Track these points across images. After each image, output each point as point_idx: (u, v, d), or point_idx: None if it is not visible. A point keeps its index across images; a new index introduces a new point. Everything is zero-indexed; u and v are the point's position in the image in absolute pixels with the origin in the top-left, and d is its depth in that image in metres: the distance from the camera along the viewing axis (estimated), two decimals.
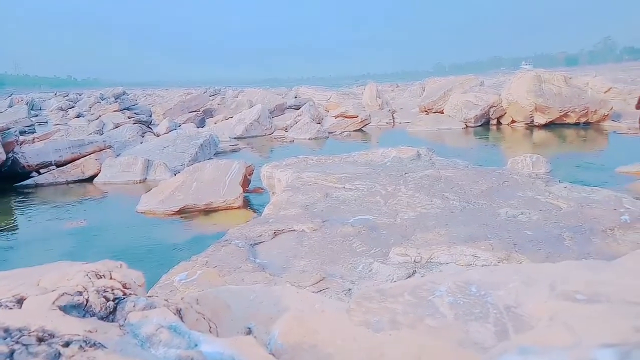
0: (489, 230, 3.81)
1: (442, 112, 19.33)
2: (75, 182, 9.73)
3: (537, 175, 5.70)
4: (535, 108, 16.76)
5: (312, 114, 20.07)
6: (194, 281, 3.36)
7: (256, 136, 17.35)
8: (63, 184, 9.65)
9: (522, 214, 4.19)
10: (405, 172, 5.66)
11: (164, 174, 9.60)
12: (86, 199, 8.61)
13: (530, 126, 17.20)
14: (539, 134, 15.89)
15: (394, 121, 21.20)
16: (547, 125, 16.87)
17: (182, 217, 7.07)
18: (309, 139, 16.50)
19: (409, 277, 3.21)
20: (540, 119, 16.92)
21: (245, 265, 3.50)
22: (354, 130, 18.22)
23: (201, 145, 11.46)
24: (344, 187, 5.26)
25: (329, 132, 17.54)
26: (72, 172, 9.83)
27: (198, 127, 18.15)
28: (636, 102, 8.87)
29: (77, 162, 10.05)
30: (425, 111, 20.45)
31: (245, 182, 8.06)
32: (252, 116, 17.94)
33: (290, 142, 16.29)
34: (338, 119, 19.42)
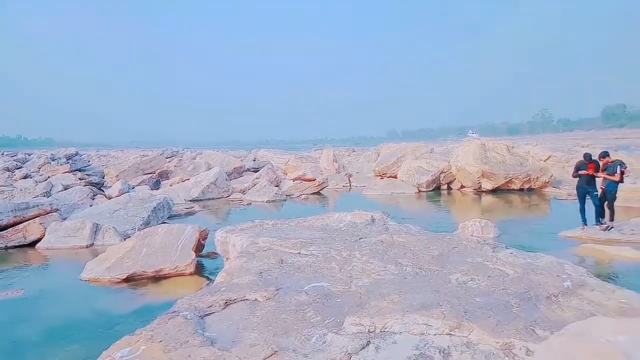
0: (441, 297, 3.87)
1: (396, 177, 19.99)
2: (15, 247, 9.12)
3: (485, 240, 5.92)
4: (482, 174, 17.68)
5: (270, 176, 20.21)
6: (136, 357, 3.15)
7: (213, 199, 17.14)
8: (2, 249, 9.02)
9: (471, 280, 4.30)
10: (360, 237, 5.73)
11: (113, 238, 9.20)
12: (26, 266, 8.04)
13: (479, 191, 18.03)
14: (487, 199, 16.64)
15: (350, 185, 21.64)
16: (494, 191, 17.74)
17: (129, 285, 6.71)
18: (266, 201, 16.48)
19: (363, 348, 3.16)
20: (487, 185, 17.80)
21: (193, 339, 3.33)
22: (311, 193, 18.40)
23: (154, 208, 11.17)
24: (299, 253, 5.24)
25: (286, 195, 17.62)
26: (13, 236, 9.24)
27: (152, 190, 17.76)
28: (573, 171, 9.55)
29: (19, 226, 9.49)
30: (380, 176, 21.09)
31: (199, 247, 7.86)
32: (210, 178, 17.82)
33: (247, 204, 16.19)
34: (296, 182, 19.62)
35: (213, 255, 7.98)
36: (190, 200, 16.22)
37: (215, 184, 17.65)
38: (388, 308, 3.69)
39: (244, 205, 16.15)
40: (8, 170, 30.58)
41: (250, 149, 42.96)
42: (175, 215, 12.83)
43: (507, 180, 17.58)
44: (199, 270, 7.41)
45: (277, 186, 18.85)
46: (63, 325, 5.33)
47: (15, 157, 40.34)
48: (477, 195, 17.53)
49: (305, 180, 19.42)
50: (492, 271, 4.57)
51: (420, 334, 3.30)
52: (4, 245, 9.15)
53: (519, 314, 3.56)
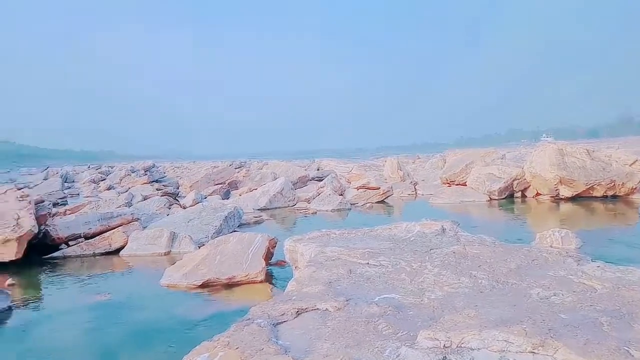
0: (521, 312, 3.66)
1: (465, 185, 19.30)
2: (102, 254, 9.89)
3: (567, 252, 5.53)
4: (560, 181, 16.59)
5: (334, 185, 20.32)
6: None
7: (279, 207, 17.54)
8: (90, 256, 9.82)
9: (554, 295, 4.03)
10: (430, 247, 5.59)
11: (188, 246, 9.69)
12: (111, 272, 8.69)
13: (556, 199, 16.93)
14: (566, 207, 15.58)
15: (416, 193, 21.21)
16: (574, 198, 16.57)
17: (205, 291, 7.03)
18: (331, 210, 16.57)
19: None
20: (566, 192, 16.67)
21: (268, 347, 3.41)
22: (376, 202, 18.25)
23: (225, 217, 11.63)
24: (368, 263, 5.20)
25: (351, 204, 17.61)
26: (100, 244, 10.03)
27: (223, 199, 18.53)
28: None
29: (105, 234, 10.27)
30: (448, 183, 20.46)
31: (268, 255, 8.05)
32: (276, 188, 18.27)
33: (312, 213, 16.38)
34: (360, 190, 19.57)
35: (282, 263, 8.14)
36: (258, 209, 16.71)
37: (281, 194, 18.06)
38: (464, 323, 3.55)
39: (309, 214, 16.36)
40: (94, 182, 33.34)
41: (313, 159, 43.50)
42: (244, 224, 13.27)
43: (588, 187, 16.36)
44: (269, 278, 7.60)
45: (341, 195, 18.91)
46: (146, 328, 5.68)
47: (99, 170, 43.91)
48: (554, 203, 16.48)
49: (370, 189, 19.31)
50: (577, 286, 4.25)
51: (500, 350, 3.14)
52: (92, 252, 9.95)
53: (610, 332, 3.28)
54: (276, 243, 8.28)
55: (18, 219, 9.38)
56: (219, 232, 10.85)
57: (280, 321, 3.99)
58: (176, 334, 5.38)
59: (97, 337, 5.50)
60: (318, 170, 28.13)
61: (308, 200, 18.48)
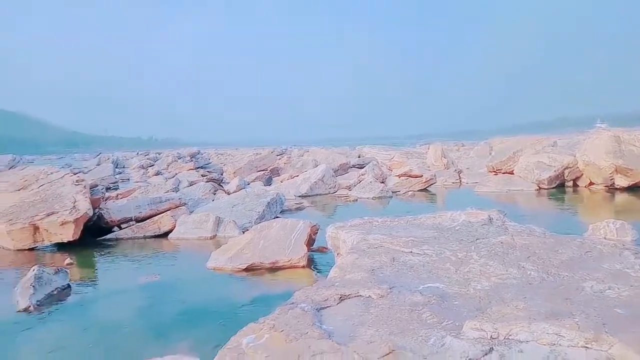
0: (573, 306, 3.52)
1: (512, 173, 18.65)
2: (151, 237, 10.33)
3: (623, 245, 5.25)
4: (616, 170, 15.70)
5: (375, 173, 20.18)
6: (261, 345, 3.36)
7: (320, 194, 17.63)
8: (140, 238, 10.28)
9: (609, 289, 3.85)
10: (476, 237, 5.46)
11: (233, 231, 9.95)
12: (161, 254, 9.07)
13: (611, 189, 16.06)
14: (621, 198, 14.75)
15: (460, 181, 20.72)
16: (630, 188, 15.66)
17: (249, 274, 7.21)
18: (372, 198, 16.49)
19: (485, 354, 3.01)
20: (621, 182, 15.78)
21: (312, 331, 3.46)
22: (418, 190, 17.99)
23: (268, 203, 11.82)
24: (412, 252, 5.15)
25: (392, 192, 17.45)
26: (149, 227, 10.47)
27: (265, 186, 18.84)
28: None
29: (155, 218, 10.71)
30: (494, 171, 19.84)
31: (310, 241, 8.13)
32: (317, 175, 18.36)
33: (353, 201, 16.36)
34: (402, 178, 19.34)
35: (323, 249, 8.21)
36: (300, 196, 16.87)
37: (322, 181, 18.13)
38: (512, 314, 3.46)
39: (350, 201, 16.35)
40: (143, 168, 34.71)
41: (354, 146, 43.27)
42: (286, 210, 13.44)
43: None
44: (311, 263, 7.69)
45: (382, 182, 18.76)
46: (194, 309, 5.91)
47: (148, 156, 45.60)
48: (608, 193, 15.64)
49: (412, 177, 19.04)
50: (635, 280, 4.04)
51: (551, 344, 3.04)
52: (142, 235, 10.41)
53: None
54: (318, 229, 8.34)
55: (75, 202, 9.92)
56: (261, 218, 11.05)
57: (323, 306, 4.03)
58: (223, 315, 5.56)
59: (148, 315, 5.78)
60: (359, 157, 27.97)
61: (349, 188, 18.47)
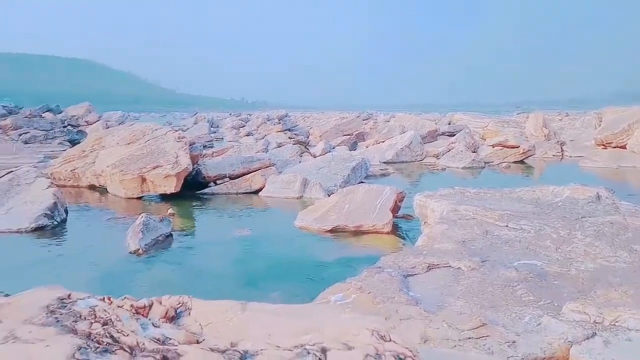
0: None
1: (625, 147, 16.73)
2: (243, 193, 10.92)
3: None
4: None
5: (467, 141, 19.22)
6: (348, 304, 3.45)
7: (406, 162, 17.28)
8: (233, 194, 10.91)
9: None
10: (581, 215, 5.02)
11: (318, 193, 10.16)
12: (252, 210, 9.58)
13: None
14: None
15: (562, 154, 19.08)
16: None
17: (334, 235, 7.37)
18: (462, 167, 15.83)
19: (587, 339, 2.81)
20: None
21: (399, 296, 3.47)
22: (513, 162, 16.89)
23: (354, 168, 11.85)
24: (507, 226, 4.89)
25: (485, 162, 16.57)
26: (242, 184, 11.06)
27: (350, 150, 18.85)
28: None
29: (247, 176, 11.27)
30: (603, 145, 17.92)
31: (395, 208, 8.05)
32: (404, 142, 17.96)
33: (441, 169, 15.84)
34: (496, 148, 18.24)
35: (408, 217, 8.10)
36: (384, 162, 16.68)
37: (409, 147, 17.72)
38: (620, 300, 3.18)
39: (437, 170, 15.85)
40: (235, 128, 36.37)
41: (444, 113, 41.42)
42: (371, 176, 13.40)
43: None
44: (395, 230, 7.64)
45: (474, 152, 17.86)
46: (283, 263, 6.22)
47: (239, 117, 47.61)
48: None
49: (507, 147, 17.87)
50: None
51: None
52: (235, 191, 11.03)
53: None
54: (404, 197, 8.22)
55: (177, 157, 10.72)
56: (346, 182, 11.14)
57: (410, 273, 4.01)
58: (310, 271, 5.78)
59: (242, 265, 6.20)
60: (449, 124, 26.78)
61: (437, 156, 17.87)
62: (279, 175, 11.26)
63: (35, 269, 6.04)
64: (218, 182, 11.57)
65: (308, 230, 7.63)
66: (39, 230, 7.72)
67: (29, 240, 7.37)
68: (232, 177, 11.50)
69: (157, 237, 7.15)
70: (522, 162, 17.11)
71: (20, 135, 22.39)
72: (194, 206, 10.00)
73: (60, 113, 31.51)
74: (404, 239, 7.26)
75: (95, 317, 1.63)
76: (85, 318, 1.62)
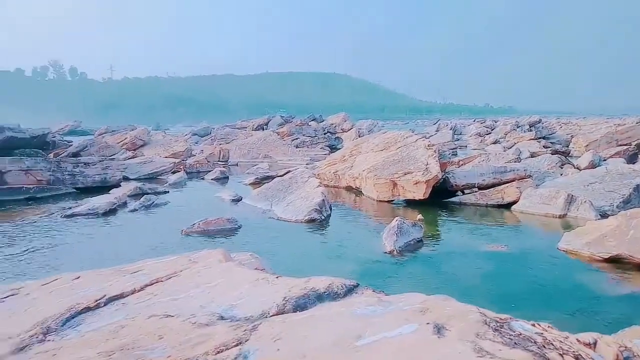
0: None
1: None
2: (493, 206, 10.31)
3: None
4: None
5: None
6: None
7: None
8: (483, 206, 10.41)
9: None
10: None
11: (587, 212, 8.75)
12: (504, 225, 8.93)
13: None
14: None
15: None
16: None
17: (612, 266, 6.20)
18: None
19: None
20: None
21: None
22: None
23: (637, 186, 9.75)
24: None
25: None
26: (493, 196, 10.45)
27: (629, 164, 15.62)
28: None
29: (498, 187, 10.60)
30: None
31: None
32: None
33: None
34: None
35: None
36: None
37: None
38: None
39: None
40: (479, 135, 34.94)
41: None
42: None
43: None
44: None
45: None
46: (545, 288, 5.56)
47: (484, 124, 45.47)
48: None
49: None
50: None
51: None
52: (484, 203, 10.50)
53: None
54: None
55: (427, 165, 10.92)
56: (626, 202, 9.25)
57: None
58: (580, 304, 5.00)
59: (498, 280, 5.83)
60: None
61: None
62: (537, 188, 10.18)
63: (310, 257, 7.08)
64: (466, 191, 11.27)
65: (576, 256, 6.63)
66: (310, 222, 9.04)
67: (304, 229, 8.70)
68: (481, 187, 11.02)
69: (410, 240, 7.43)
70: None
71: (292, 140, 26.88)
72: (441, 214, 9.98)
73: (322, 122, 36.42)
74: None
75: (556, 348, 1.69)
76: (544, 346, 1.70)
